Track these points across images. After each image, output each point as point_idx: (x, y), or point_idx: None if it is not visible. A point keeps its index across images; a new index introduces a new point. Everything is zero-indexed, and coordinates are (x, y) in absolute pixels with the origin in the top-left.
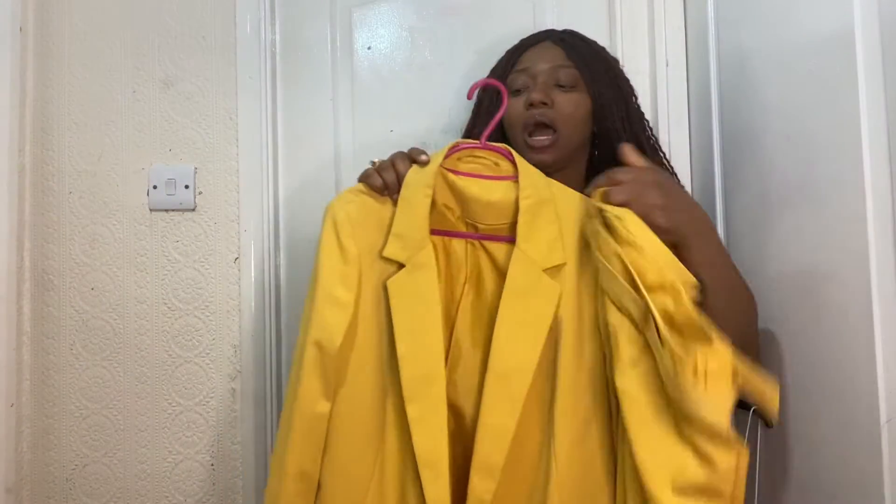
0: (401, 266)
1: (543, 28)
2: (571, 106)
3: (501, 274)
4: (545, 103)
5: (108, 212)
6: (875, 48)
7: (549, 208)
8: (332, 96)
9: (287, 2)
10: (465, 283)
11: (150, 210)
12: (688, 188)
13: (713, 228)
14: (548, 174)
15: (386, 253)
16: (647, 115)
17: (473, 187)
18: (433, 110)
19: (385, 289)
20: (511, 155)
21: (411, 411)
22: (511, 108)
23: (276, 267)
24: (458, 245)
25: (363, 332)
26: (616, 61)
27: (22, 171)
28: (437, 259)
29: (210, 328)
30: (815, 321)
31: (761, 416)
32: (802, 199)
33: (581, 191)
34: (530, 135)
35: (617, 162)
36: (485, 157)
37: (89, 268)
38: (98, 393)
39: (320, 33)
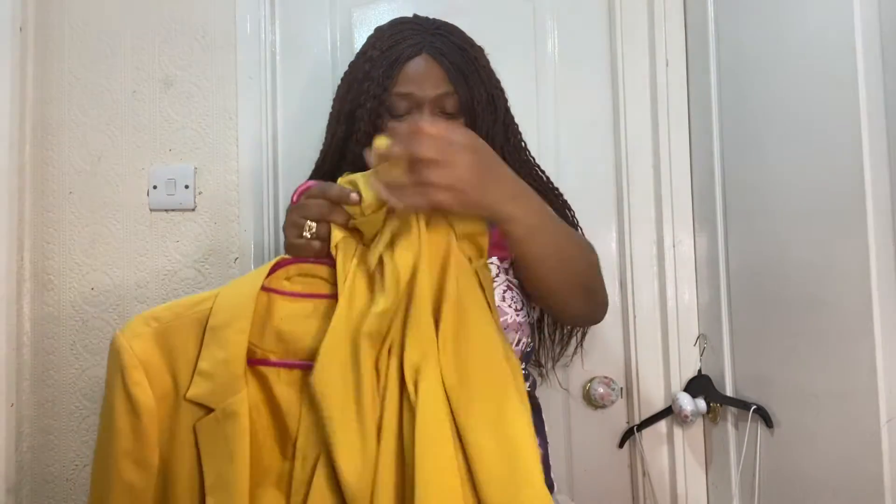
0: (210, 410)
1: (543, 27)
2: None
3: None
4: None
5: (108, 212)
6: (875, 48)
7: None
8: (332, 96)
9: (287, 2)
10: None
11: (150, 210)
12: (688, 188)
13: (526, 192)
14: None
15: (190, 395)
16: (647, 115)
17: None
18: None
19: (194, 433)
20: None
21: None
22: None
23: None
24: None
25: (174, 488)
26: (483, 53)
27: (22, 171)
28: (262, 400)
29: None
30: (815, 321)
31: (761, 416)
32: (802, 199)
33: None
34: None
35: None
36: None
37: (89, 268)
38: (98, 393)
39: (320, 33)
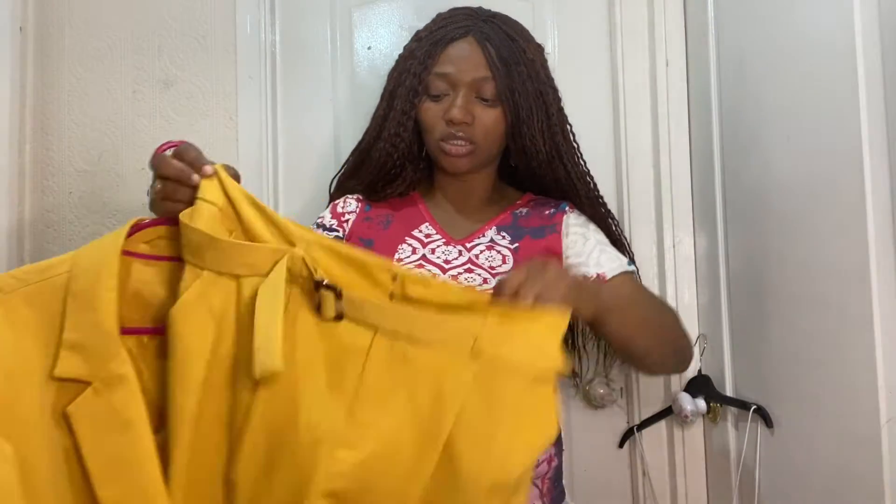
0: (85, 385)
1: (543, 27)
2: (491, 122)
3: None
4: (466, 122)
5: (108, 212)
6: (875, 48)
7: None
8: (332, 96)
9: (287, 2)
10: None
11: (150, 210)
12: (688, 188)
13: (583, 286)
14: (460, 178)
15: (58, 372)
16: (647, 115)
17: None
18: None
19: (66, 418)
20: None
21: None
22: (429, 112)
23: None
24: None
25: (49, 475)
26: (540, 51)
27: (22, 171)
28: (139, 367)
29: None
30: (815, 321)
31: (761, 416)
32: (802, 199)
33: (487, 195)
34: (445, 140)
35: (532, 171)
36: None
37: None
38: None
39: (320, 33)
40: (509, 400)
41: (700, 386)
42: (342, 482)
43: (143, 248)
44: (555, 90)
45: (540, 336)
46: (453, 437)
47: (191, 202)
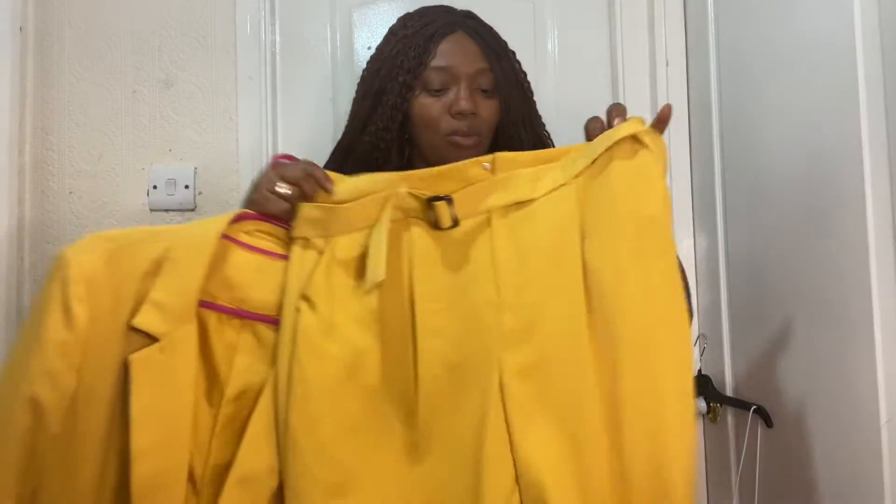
0: (154, 340)
1: (543, 27)
2: (492, 113)
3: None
4: (474, 114)
5: (108, 212)
6: (875, 48)
7: None
8: (332, 96)
9: (287, 2)
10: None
11: (150, 210)
12: (688, 188)
13: None
14: None
15: (136, 322)
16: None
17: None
18: None
19: (127, 364)
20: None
21: None
22: (430, 107)
23: None
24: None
25: (86, 417)
26: (514, 53)
27: (22, 171)
28: (213, 340)
29: None
30: (815, 321)
31: (761, 416)
32: (802, 199)
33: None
34: (454, 134)
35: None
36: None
37: None
38: None
39: (320, 33)
40: (619, 200)
41: (700, 386)
42: (522, 353)
43: (242, 236)
44: (529, 84)
45: (626, 145)
46: (586, 255)
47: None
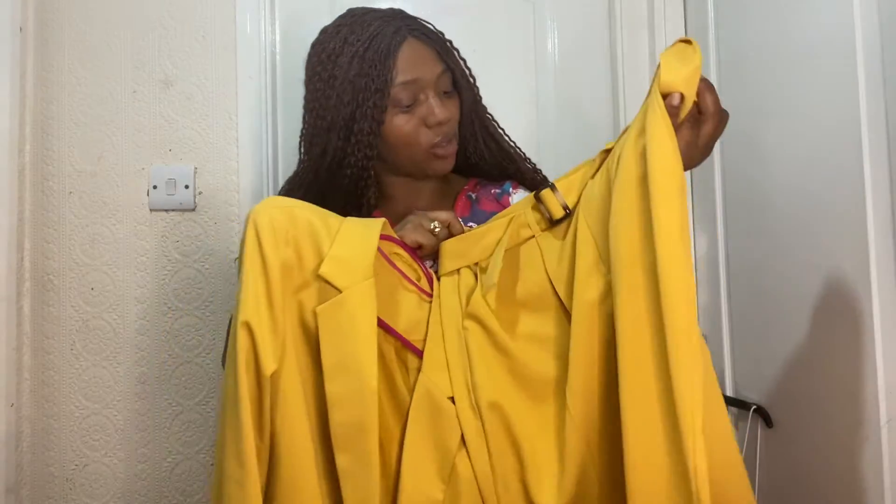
0: (336, 292)
1: (543, 27)
2: (457, 112)
3: None
4: (450, 119)
5: (108, 212)
6: (875, 48)
7: None
8: None
9: (287, 2)
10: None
11: (150, 210)
12: (688, 187)
13: None
14: (419, 179)
15: (322, 272)
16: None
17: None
18: None
19: (315, 315)
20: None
21: (341, 462)
22: (404, 126)
23: None
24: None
25: (289, 361)
26: (451, 40)
27: (22, 171)
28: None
29: (210, 328)
30: (815, 321)
31: (761, 416)
32: (802, 199)
33: (439, 187)
34: (436, 146)
35: (468, 156)
36: (407, 259)
37: (89, 268)
38: (98, 393)
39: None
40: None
41: None
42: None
43: (387, 253)
44: (470, 69)
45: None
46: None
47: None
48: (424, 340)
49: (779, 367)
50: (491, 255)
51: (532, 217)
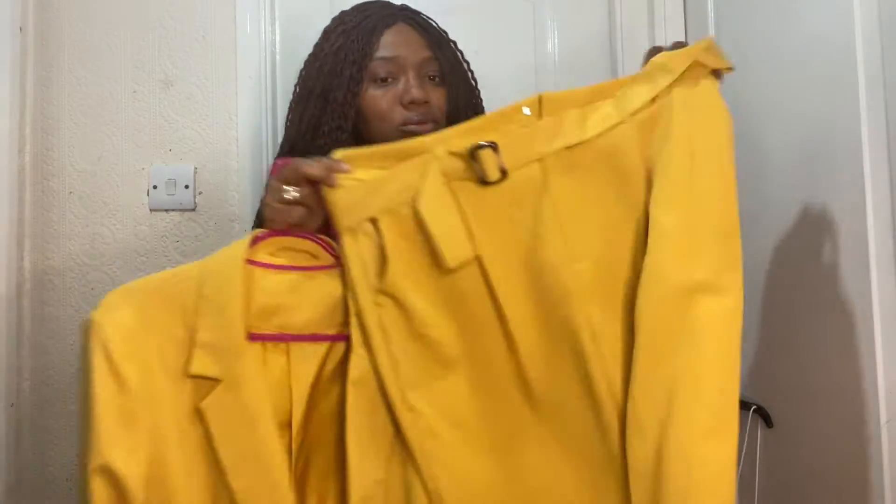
0: (216, 382)
1: (543, 27)
2: (443, 101)
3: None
4: (426, 102)
5: (108, 212)
6: (875, 48)
7: None
8: None
9: (287, 2)
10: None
11: (150, 210)
12: None
13: None
14: None
15: (194, 370)
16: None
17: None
18: None
19: (200, 413)
20: (331, 247)
21: None
22: (379, 100)
23: None
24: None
25: (183, 466)
26: (455, 43)
27: (22, 171)
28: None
29: None
30: (814, 321)
31: (761, 416)
32: (802, 199)
33: None
34: (407, 124)
35: None
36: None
37: (89, 268)
38: None
39: (320, 33)
40: (677, 115)
41: None
42: (608, 304)
43: (266, 258)
44: (473, 72)
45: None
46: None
47: (317, 207)
48: (346, 321)
49: (779, 367)
50: (402, 202)
51: (453, 164)
